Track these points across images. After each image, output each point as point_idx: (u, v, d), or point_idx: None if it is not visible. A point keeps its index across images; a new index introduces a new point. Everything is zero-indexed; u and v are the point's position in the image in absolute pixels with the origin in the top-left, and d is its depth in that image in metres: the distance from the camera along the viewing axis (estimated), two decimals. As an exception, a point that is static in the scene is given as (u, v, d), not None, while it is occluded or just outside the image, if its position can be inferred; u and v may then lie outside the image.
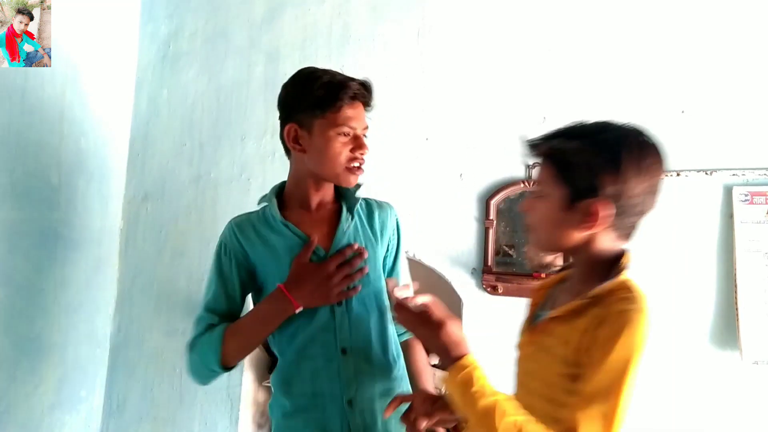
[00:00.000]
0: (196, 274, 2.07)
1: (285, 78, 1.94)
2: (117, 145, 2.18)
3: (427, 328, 0.91)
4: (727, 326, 1.55)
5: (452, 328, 0.88)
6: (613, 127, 0.84)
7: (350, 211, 1.19)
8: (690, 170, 1.63)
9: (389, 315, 1.20)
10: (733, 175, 1.59)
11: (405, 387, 1.20)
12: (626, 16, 1.82)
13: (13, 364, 1.69)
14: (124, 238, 2.18)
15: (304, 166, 1.14)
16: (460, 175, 1.89)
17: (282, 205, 1.18)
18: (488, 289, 1.80)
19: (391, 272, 1.27)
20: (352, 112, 1.09)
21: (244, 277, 1.17)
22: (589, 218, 0.82)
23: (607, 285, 0.81)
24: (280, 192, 1.22)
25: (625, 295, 0.80)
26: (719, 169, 1.61)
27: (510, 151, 1.85)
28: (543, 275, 1.72)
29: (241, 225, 1.17)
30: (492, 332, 1.80)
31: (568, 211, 0.84)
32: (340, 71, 1.14)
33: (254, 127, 2.07)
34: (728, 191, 1.59)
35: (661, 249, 1.61)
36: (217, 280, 1.16)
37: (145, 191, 2.18)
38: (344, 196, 1.21)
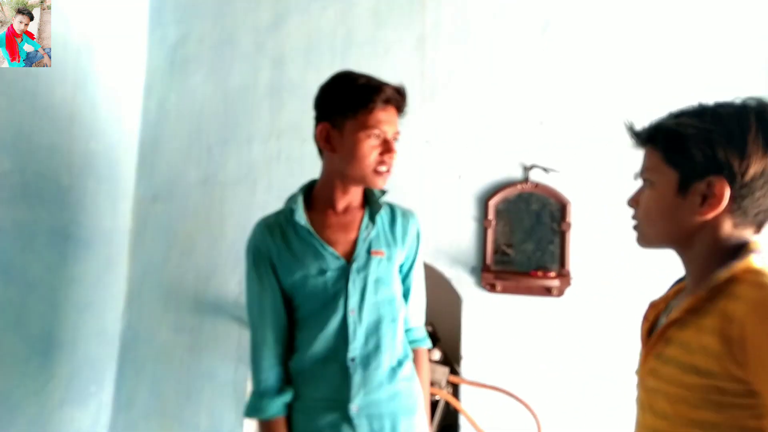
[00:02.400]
0: (204, 272, 2.11)
1: (290, 82, 2.00)
2: (126, 147, 2.20)
3: None
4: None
5: None
6: (730, 103, 0.76)
7: (372, 218, 1.19)
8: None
9: (401, 319, 1.21)
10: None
11: (414, 387, 1.21)
12: (622, 19, 1.87)
13: (24, 361, 1.70)
14: (133, 237, 2.21)
15: (334, 166, 1.15)
16: (459, 176, 1.93)
17: (310, 203, 1.19)
18: (487, 287, 1.85)
19: (406, 278, 1.27)
20: (384, 115, 1.10)
21: (279, 283, 1.18)
22: (710, 199, 0.73)
23: (730, 271, 0.70)
24: (309, 190, 1.22)
25: (760, 279, 0.67)
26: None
27: (508, 153, 1.90)
28: (541, 273, 1.77)
29: (270, 227, 1.18)
30: (491, 328, 1.85)
31: (683, 195, 0.75)
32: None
33: (260, 130, 2.10)
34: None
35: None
36: (261, 290, 1.16)
37: (154, 192, 2.21)
38: (369, 202, 1.21)
